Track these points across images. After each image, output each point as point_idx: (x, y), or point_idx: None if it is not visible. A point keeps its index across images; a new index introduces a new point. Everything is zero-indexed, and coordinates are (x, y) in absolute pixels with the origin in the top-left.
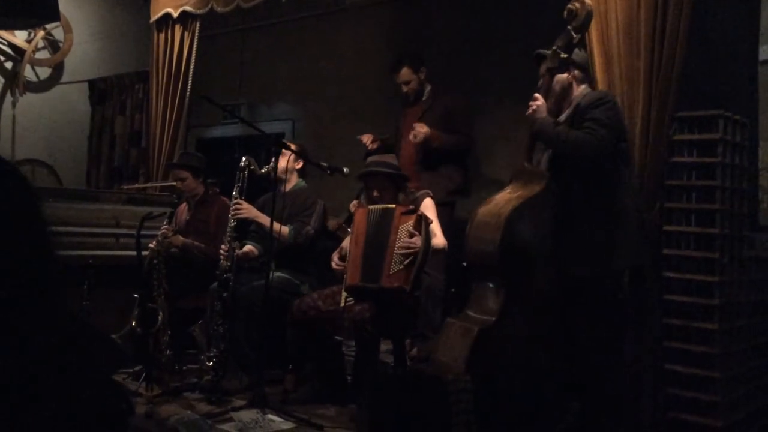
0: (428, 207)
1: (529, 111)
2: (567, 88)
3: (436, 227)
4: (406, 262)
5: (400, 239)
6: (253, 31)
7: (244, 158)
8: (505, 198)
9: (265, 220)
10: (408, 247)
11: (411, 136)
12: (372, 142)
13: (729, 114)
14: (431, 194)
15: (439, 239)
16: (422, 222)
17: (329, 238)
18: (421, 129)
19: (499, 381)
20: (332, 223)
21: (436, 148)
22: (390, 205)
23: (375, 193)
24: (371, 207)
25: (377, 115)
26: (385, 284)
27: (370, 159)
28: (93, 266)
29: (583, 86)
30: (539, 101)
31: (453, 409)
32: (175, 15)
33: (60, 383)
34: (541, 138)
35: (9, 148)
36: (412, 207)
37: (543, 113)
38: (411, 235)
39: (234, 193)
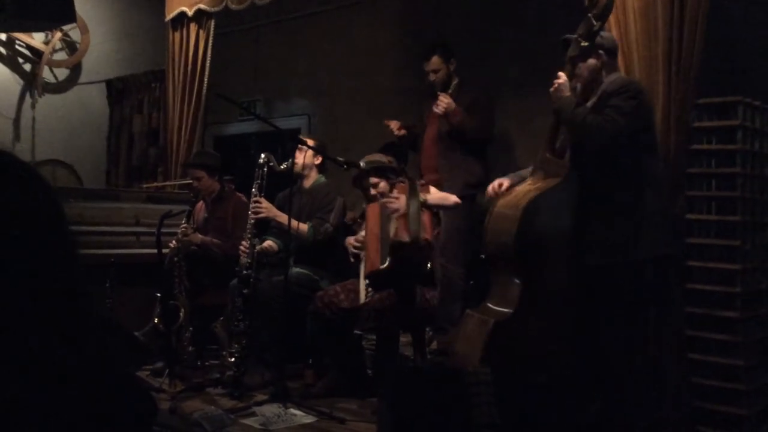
0: (431, 191)
1: (552, 88)
2: (596, 74)
3: (432, 190)
4: (396, 216)
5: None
6: (268, 27)
7: (263, 155)
8: (524, 189)
9: (284, 218)
10: (391, 206)
11: (434, 106)
12: (399, 129)
13: (749, 100)
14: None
15: (435, 194)
16: (406, 184)
17: (346, 233)
18: (444, 98)
19: (518, 372)
20: (348, 216)
21: (455, 124)
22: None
23: (371, 192)
24: (381, 200)
25: (393, 109)
26: (392, 252)
27: (362, 162)
28: (114, 264)
29: (613, 74)
30: (561, 79)
31: (473, 401)
32: (190, 13)
33: (84, 382)
34: (559, 117)
35: (29, 149)
36: (401, 180)
37: (565, 91)
38: (393, 198)
39: (253, 190)
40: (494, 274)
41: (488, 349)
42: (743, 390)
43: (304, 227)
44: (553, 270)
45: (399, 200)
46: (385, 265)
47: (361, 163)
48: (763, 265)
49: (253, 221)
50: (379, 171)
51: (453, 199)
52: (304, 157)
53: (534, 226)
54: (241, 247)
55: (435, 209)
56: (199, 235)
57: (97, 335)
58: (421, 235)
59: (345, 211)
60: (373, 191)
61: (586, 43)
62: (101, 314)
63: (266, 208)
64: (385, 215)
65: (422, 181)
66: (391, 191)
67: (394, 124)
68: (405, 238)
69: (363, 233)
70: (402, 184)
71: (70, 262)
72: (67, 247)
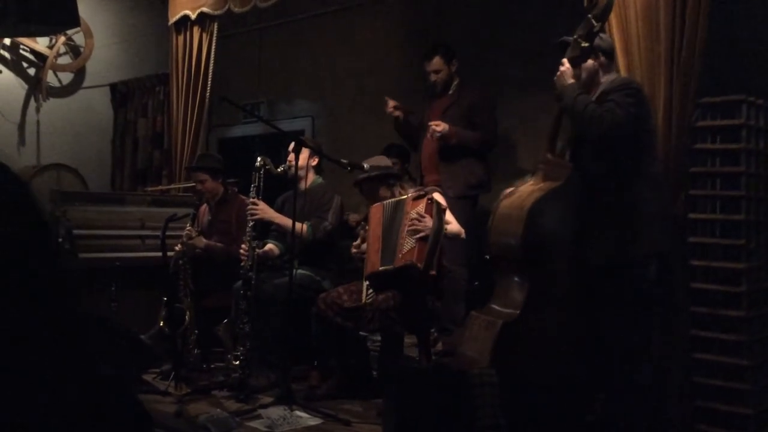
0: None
1: (556, 76)
2: (593, 76)
3: (449, 217)
4: (416, 237)
5: (411, 222)
6: (271, 29)
7: (259, 158)
8: (527, 190)
9: (281, 219)
10: (416, 226)
11: (428, 134)
12: (394, 108)
13: (752, 98)
14: (440, 190)
15: (453, 226)
16: (433, 205)
17: (348, 236)
18: (437, 127)
19: (524, 373)
20: (352, 218)
21: (455, 144)
22: (402, 197)
23: (371, 197)
24: (385, 201)
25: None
26: (398, 264)
27: (365, 165)
28: (120, 268)
29: (610, 74)
30: (565, 66)
31: (478, 402)
32: (193, 16)
33: (71, 384)
34: (561, 103)
35: (34, 153)
36: (422, 192)
37: (568, 79)
38: (421, 217)
39: (251, 193)
40: (498, 275)
41: (497, 351)
42: (748, 389)
43: (303, 227)
44: (558, 270)
45: (426, 221)
46: (386, 268)
47: (365, 165)
48: (767, 264)
49: (252, 224)
50: (380, 179)
51: (463, 235)
52: (306, 159)
53: (540, 227)
54: (241, 250)
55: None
56: (204, 239)
57: (83, 335)
58: (434, 265)
59: (343, 210)
60: (371, 197)
61: (587, 44)
62: (95, 315)
63: (261, 209)
64: (388, 217)
65: (444, 205)
66: (392, 195)
67: (391, 103)
68: (419, 262)
69: (365, 234)
70: (429, 203)
71: (44, 260)
72: (41, 244)
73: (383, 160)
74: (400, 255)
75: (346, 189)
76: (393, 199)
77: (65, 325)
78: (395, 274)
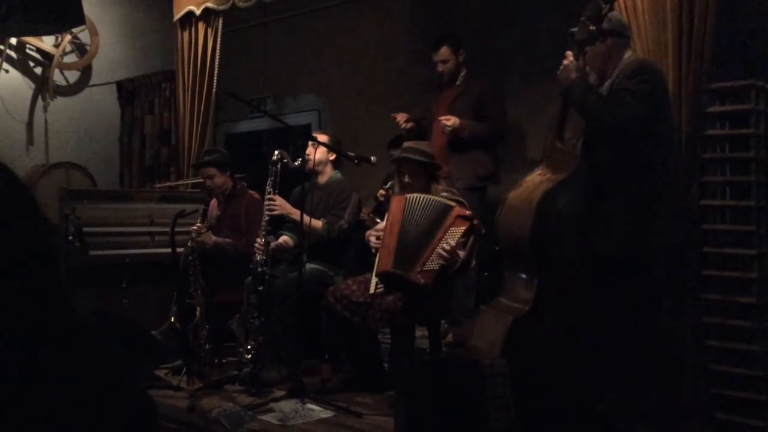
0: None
1: (560, 70)
2: (605, 60)
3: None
4: (441, 264)
5: (446, 241)
6: (276, 23)
7: (276, 152)
8: (535, 181)
9: (298, 215)
10: (451, 256)
11: (441, 130)
12: (406, 122)
13: (761, 83)
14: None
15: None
16: (473, 233)
17: (361, 230)
18: (448, 121)
19: (535, 366)
20: (363, 214)
21: (466, 137)
22: (450, 202)
23: (406, 179)
24: (410, 195)
25: (403, 102)
26: (413, 278)
27: (405, 144)
28: (130, 264)
29: (627, 53)
30: (568, 59)
31: (489, 393)
32: (198, 12)
33: (66, 383)
34: (569, 101)
35: (42, 152)
36: (469, 213)
37: (572, 73)
38: (458, 246)
39: (267, 187)
40: (508, 268)
41: (507, 346)
42: (762, 376)
43: (318, 223)
44: (566, 263)
45: (460, 256)
46: (396, 272)
47: (404, 145)
48: None
49: (267, 218)
50: (421, 166)
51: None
52: (314, 152)
53: (548, 219)
54: (256, 245)
55: None
56: (213, 236)
57: (84, 335)
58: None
59: (360, 208)
60: (407, 179)
61: (594, 27)
62: (104, 312)
63: (280, 206)
64: (411, 215)
65: (482, 230)
66: (426, 185)
67: (401, 117)
68: (431, 284)
69: (383, 224)
70: (471, 225)
71: (45, 263)
72: (42, 247)
73: (427, 146)
74: (420, 270)
75: (361, 183)
76: (420, 195)
77: (66, 326)
78: (405, 281)
